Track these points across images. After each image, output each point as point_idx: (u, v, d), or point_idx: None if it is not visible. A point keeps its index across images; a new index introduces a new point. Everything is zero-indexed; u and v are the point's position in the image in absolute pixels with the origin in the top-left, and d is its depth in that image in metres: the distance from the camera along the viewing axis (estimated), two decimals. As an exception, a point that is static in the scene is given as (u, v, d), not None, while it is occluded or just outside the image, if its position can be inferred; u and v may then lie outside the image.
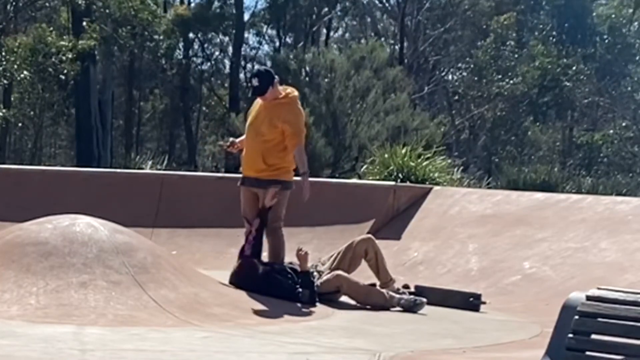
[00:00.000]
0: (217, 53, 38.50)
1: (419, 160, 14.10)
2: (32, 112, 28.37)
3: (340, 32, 39.60)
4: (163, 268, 7.73)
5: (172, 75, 35.69)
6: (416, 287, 9.12)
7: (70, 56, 24.86)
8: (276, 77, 8.69)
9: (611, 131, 33.94)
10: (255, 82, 8.60)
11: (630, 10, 34.10)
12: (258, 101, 8.75)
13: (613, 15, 33.99)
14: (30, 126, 30.02)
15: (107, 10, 27.46)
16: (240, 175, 9.11)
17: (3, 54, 24.42)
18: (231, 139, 9.21)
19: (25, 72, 24.77)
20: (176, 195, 11.77)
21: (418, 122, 22.51)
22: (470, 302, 8.72)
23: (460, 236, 10.77)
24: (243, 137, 8.95)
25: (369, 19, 38.12)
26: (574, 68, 32.25)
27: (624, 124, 34.72)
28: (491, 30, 34.13)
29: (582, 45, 33.41)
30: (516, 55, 33.36)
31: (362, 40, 28.15)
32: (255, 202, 8.77)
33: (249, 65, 37.75)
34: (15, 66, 24.41)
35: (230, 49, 36.69)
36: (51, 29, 26.39)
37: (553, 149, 36.01)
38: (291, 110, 8.59)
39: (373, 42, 25.85)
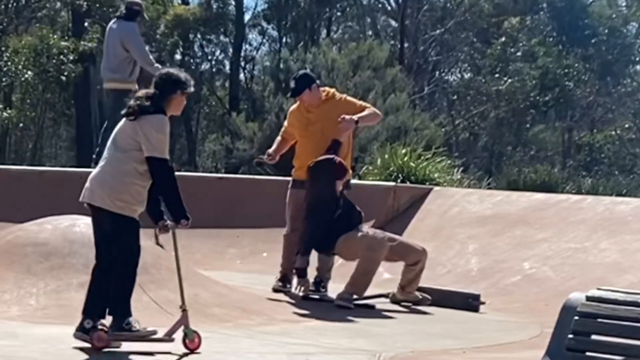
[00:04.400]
0: (217, 53, 38.53)
1: (419, 161, 14.09)
2: (33, 113, 28.38)
3: (340, 32, 39.59)
4: (163, 269, 7.73)
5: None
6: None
7: (71, 57, 24.87)
8: (317, 81, 9.11)
9: (612, 132, 33.94)
10: (292, 84, 9.11)
11: (627, 12, 34.11)
12: (296, 109, 9.14)
13: (614, 15, 33.98)
14: (31, 127, 30.03)
15: (110, 10, 27.46)
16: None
17: (7, 55, 24.44)
18: (268, 151, 9.32)
19: (29, 73, 24.78)
20: (176, 195, 11.75)
21: (418, 122, 22.50)
22: (469, 302, 8.72)
23: (460, 237, 10.77)
24: (275, 147, 9.19)
25: (369, 20, 38.12)
26: (575, 66, 32.22)
27: (626, 126, 34.71)
28: (495, 31, 34.14)
29: (582, 46, 33.40)
30: (522, 57, 33.31)
31: (363, 40, 28.12)
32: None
33: (248, 66, 37.78)
34: (20, 66, 24.42)
35: (230, 49, 36.70)
36: (54, 30, 26.42)
37: (553, 149, 36.01)
38: (342, 101, 9.04)
39: (371, 42, 25.83)
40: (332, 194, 8.62)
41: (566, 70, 32.17)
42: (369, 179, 14.18)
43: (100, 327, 6.10)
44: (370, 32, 36.67)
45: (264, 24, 37.95)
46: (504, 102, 33.38)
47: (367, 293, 8.81)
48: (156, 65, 11.85)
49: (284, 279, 9.03)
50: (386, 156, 14.40)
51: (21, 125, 27.93)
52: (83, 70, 26.53)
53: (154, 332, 6.23)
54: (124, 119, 6.27)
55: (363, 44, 24.89)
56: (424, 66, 35.35)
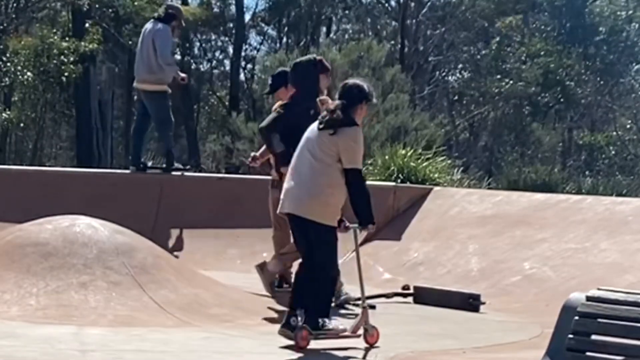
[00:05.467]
0: (217, 53, 38.52)
1: (419, 161, 14.08)
2: (33, 114, 28.37)
3: (340, 32, 39.59)
4: (163, 269, 7.74)
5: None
6: (415, 287, 9.13)
7: (72, 59, 24.86)
8: None
9: (613, 133, 33.92)
10: (269, 81, 9.12)
11: (630, 12, 34.08)
12: (277, 107, 9.02)
13: (618, 12, 33.95)
14: (31, 127, 30.02)
15: (110, 10, 27.47)
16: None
17: (7, 55, 24.42)
18: (252, 153, 9.37)
19: (28, 73, 24.76)
20: (176, 195, 11.78)
21: (418, 122, 22.48)
22: (469, 302, 8.72)
23: (461, 237, 10.77)
24: (263, 149, 9.13)
25: (369, 20, 38.11)
26: (575, 67, 32.21)
27: (627, 126, 34.69)
28: (495, 31, 34.13)
29: (584, 46, 33.39)
30: (522, 57, 33.27)
31: (363, 42, 28.09)
32: None
33: (249, 66, 37.78)
34: (20, 67, 24.41)
35: (230, 49, 36.71)
36: (54, 30, 26.39)
37: (554, 150, 35.99)
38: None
39: (369, 41, 25.79)
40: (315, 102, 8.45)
41: (568, 70, 32.15)
42: (369, 179, 14.14)
43: (302, 326, 6.50)
44: (370, 32, 36.67)
45: (264, 24, 37.94)
46: (504, 102, 33.36)
47: (368, 293, 8.81)
48: (175, 67, 11.93)
49: (281, 280, 9.00)
50: (386, 156, 14.38)
51: (21, 125, 27.93)
52: (83, 71, 26.52)
53: (345, 330, 6.71)
54: (316, 131, 6.62)
55: (362, 44, 24.85)
56: (424, 66, 35.34)
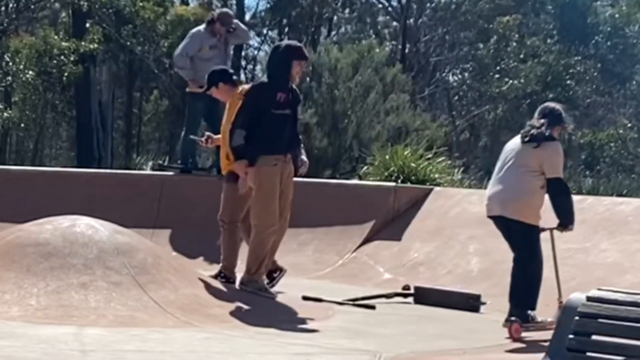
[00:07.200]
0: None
1: (420, 161, 14.07)
2: (34, 115, 28.37)
3: (341, 32, 39.58)
4: (163, 269, 7.73)
5: (173, 75, 35.63)
6: (416, 287, 9.13)
7: (72, 59, 24.85)
8: (231, 79, 8.96)
9: (612, 132, 33.88)
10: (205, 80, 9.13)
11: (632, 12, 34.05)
12: None
13: (616, 15, 33.94)
14: (32, 127, 30.02)
15: (110, 10, 27.46)
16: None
17: (9, 55, 24.43)
18: (207, 133, 9.42)
19: (30, 73, 24.76)
20: (176, 195, 11.77)
21: (419, 122, 22.46)
22: (470, 303, 8.72)
23: (461, 237, 10.76)
24: (220, 136, 9.08)
25: (369, 20, 38.09)
26: (577, 68, 32.17)
27: (628, 125, 34.66)
28: (493, 31, 34.08)
29: (585, 46, 33.37)
30: (521, 56, 33.22)
31: (363, 41, 28.05)
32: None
33: (249, 66, 37.79)
34: (21, 67, 24.40)
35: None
36: (55, 31, 26.39)
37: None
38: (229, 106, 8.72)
39: (371, 41, 25.78)
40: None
41: (570, 70, 32.11)
42: (370, 179, 14.16)
43: (514, 319, 7.27)
44: (371, 32, 36.66)
45: (265, 24, 37.92)
46: (504, 102, 33.35)
47: (368, 294, 8.83)
48: (186, 70, 11.94)
49: (271, 278, 8.90)
50: (387, 156, 14.37)
51: (22, 125, 27.92)
52: (84, 71, 26.51)
53: (551, 323, 7.09)
54: (519, 144, 7.52)
55: (363, 44, 24.84)
56: (424, 66, 35.31)
